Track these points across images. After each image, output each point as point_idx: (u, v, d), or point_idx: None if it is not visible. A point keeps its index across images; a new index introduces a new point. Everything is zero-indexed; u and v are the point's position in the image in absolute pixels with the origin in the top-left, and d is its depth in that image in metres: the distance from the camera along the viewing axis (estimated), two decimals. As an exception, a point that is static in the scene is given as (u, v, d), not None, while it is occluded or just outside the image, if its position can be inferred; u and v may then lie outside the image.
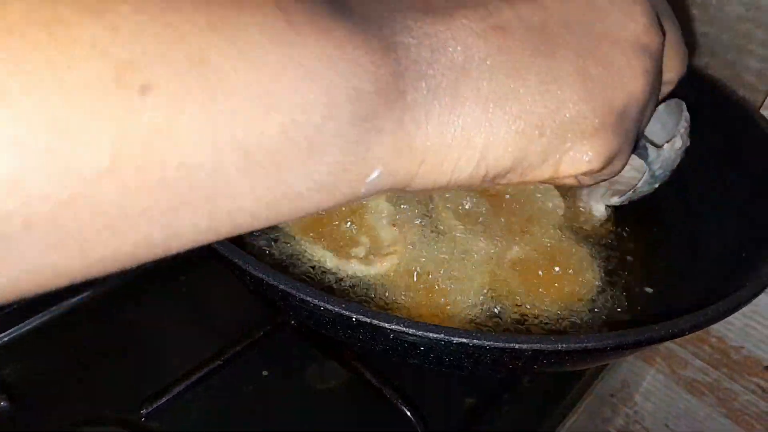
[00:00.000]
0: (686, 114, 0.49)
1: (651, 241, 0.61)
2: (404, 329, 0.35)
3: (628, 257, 0.60)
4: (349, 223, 0.58)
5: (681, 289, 0.54)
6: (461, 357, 0.38)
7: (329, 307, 0.36)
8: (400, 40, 0.25)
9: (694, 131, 0.64)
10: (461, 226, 0.59)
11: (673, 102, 0.49)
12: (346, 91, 0.23)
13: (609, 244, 0.61)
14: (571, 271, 0.56)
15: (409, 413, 0.50)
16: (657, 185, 0.50)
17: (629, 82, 0.30)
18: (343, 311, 0.36)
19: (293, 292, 0.37)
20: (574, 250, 0.59)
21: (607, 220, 0.63)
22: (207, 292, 0.65)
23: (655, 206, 0.64)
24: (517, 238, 0.59)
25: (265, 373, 0.57)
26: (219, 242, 0.40)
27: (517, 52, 0.28)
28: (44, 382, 0.54)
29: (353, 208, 0.60)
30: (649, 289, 0.56)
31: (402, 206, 0.61)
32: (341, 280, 0.55)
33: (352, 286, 0.54)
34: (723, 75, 0.72)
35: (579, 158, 0.30)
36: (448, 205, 0.62)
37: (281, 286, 0.37)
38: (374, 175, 0.25)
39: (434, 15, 0.26)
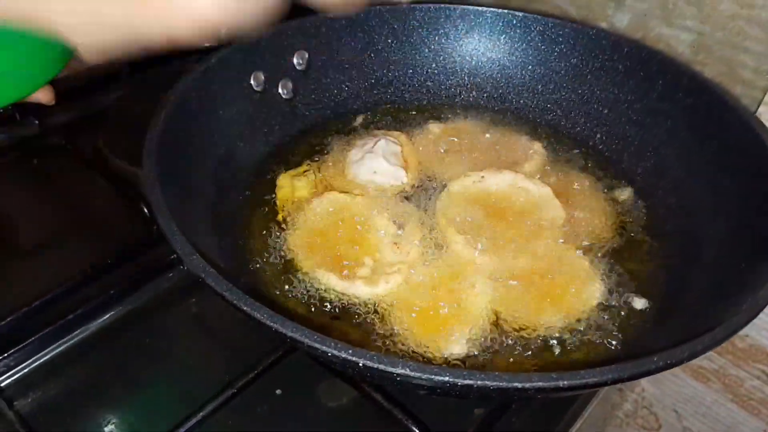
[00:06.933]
0: None
1: (649, 248, 0.62)
2: (410, 373, 0.36)
3: (629, 266, 0.60)
4: (352, 245, 0.59)
5: (680, 301, 0.54)
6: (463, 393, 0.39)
7: (336, 353, 0.37)
8: None
9: (690, 134, 0.65)
10: (463, 241, 0.60)
11: None
12: None
13: (610, 253, 0.61)
14: (572, 285, 0.57)
15: (418, 432, 0.52)
16: None
17: None
18: (350, 357, 0.37)
19: (301, 338, 0.38)
20: (575, 262, 0.59)
21: (611, 225, 0.64)
22: (216, 314, 0.66)
23: (653, 213, 0.65)
24: (518, 251, 0.60)
25: (278, 391, 0.59)
26: (230, 291, 0.42)
27: None
28: (61, 414, 0.56)
29: (356, 229, 0.61)
30: (647, 302, 0.56)
31: (404, 225, 0.62)
32: (345, 306, 0.56)
33: (357, 314, 0.56)
34: (719, 71, 0.72)
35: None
36: (454, 219, 0.63)
37: (289, 334, 0.39)
38: None
39: None
